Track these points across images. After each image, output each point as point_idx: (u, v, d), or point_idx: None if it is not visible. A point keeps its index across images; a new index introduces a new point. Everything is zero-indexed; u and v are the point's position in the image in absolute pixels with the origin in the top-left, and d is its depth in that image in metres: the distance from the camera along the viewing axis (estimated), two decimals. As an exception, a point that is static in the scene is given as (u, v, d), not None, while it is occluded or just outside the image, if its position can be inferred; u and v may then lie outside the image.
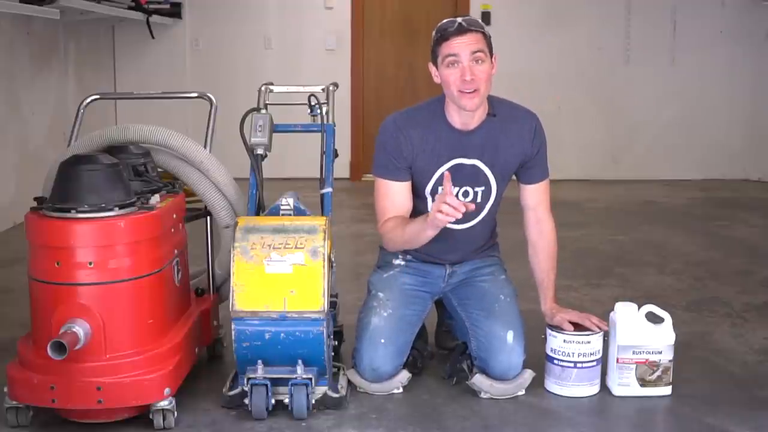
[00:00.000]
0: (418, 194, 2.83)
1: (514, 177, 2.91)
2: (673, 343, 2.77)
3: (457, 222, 2.72)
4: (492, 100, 2.82)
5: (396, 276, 2.90)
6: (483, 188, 2.82)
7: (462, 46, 2.64)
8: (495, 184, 2.83)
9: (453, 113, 2.76)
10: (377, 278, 2.92)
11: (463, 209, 2.51)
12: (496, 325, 2.75)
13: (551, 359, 2.79)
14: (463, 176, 2.78)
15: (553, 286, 2.92)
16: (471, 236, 2.90)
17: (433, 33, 2.73)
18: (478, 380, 2.72)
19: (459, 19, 2.68)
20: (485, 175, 2.80)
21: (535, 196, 2.91)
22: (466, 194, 2.81)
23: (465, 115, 2.74)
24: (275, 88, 3.08)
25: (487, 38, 2.71)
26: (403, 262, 2.93)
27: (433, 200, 2.78)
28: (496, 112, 2.80)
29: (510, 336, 2.72)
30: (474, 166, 2.79)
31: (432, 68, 2.76)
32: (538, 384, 2.79)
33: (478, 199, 2.83)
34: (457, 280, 2.94)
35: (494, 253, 3.02)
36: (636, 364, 2.75)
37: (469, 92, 2.66)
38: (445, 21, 2.72)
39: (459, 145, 2.77)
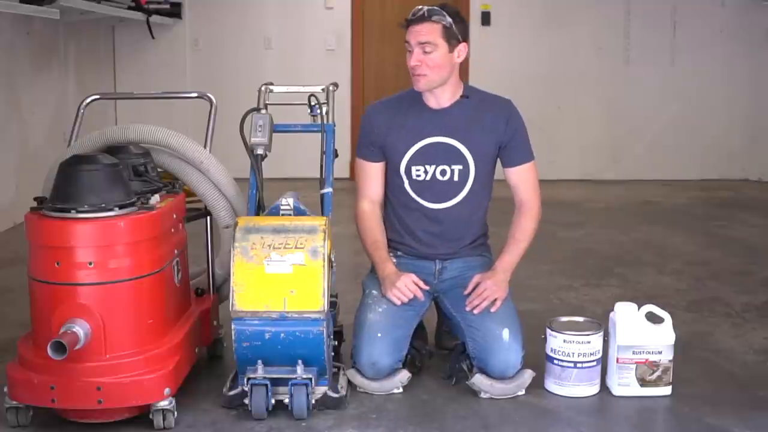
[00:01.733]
0: (393, 174, 2.95)
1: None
2: (673, 343, 2.77)
3: (439, 201, 2.90)
4: (466, 86, 2.96)
5: None
6: (460, 167, 2.89)
7: (413, 35, 2.83)
8: (473, 163, 2.89)
9: (427, 94, 2.90)
10: (370, 278, 2.96)
11: (410, 295, 2.80)
12: (492, 324, 2.75)
13: (551, 359, 2.79)
14: (439, 154, 2.89)
15: (508, 257, 2.90)
16: (456, 220, 2.93)
17: None
18: (478, 380, 2.72)
19: (424, 8, 2.83)
20: (461, 154, 2.88)
21: (514, 177, 2.95)
22: (443, 173, 2.89)
23: (436, 96, 2.89)
24: (275, 88, 3.08)
25: (448, 28, 2.81)
26: (394, 259, 2.96)
27: (408, 180, 2.91)
28: (469, 95, 2.93)
29: (506, 333, 2.73)
30: (449, 144, 2.88)
31: None
32: (538, 384, 2.79)
33: (455, 178, 2.90)
34: (447, 277, 2.95)
35: (485, 253, 3.04)
36: (636, 364, 2.75)
37: (417, 75, 2.84)
38: (416, 7, 2.85)
39: (433, 123, 2.90)
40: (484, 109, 2.91)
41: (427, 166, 2.89)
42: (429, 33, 2.80)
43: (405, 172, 2.91)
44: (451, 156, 2.88)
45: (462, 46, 2.85)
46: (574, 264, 4.57)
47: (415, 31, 2.82)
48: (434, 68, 2.81)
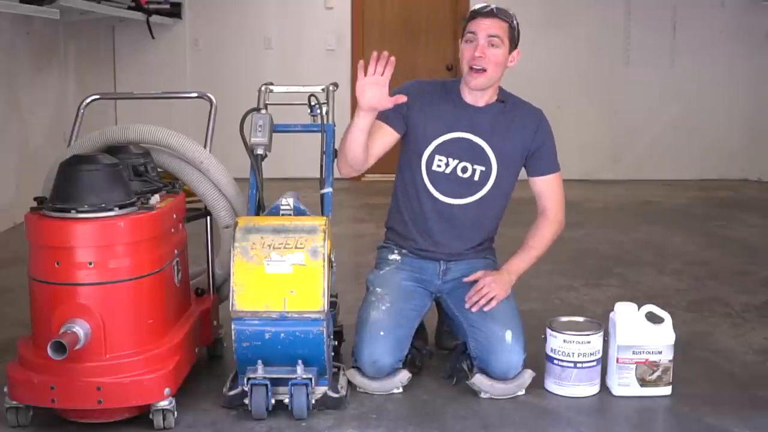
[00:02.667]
0: (413, 159, 2.89)
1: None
2: (673, 343, 2.77)
3: (454, 196, 2.86)
4: (502, 90, 2.94)
5: (392, 272, 2.93)
6: (483, 168, 2.88)
7: (482, 26, 2.80)
8: (496, 167, 2.87)
9: (465, 90, 2.89)
10: (374, 276, 2.95)
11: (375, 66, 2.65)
12: (494, 326, 2.75)
13: (551, 359, 2.79)
14: (465, 151, 2.87)
15: (518, 261, 2.89)
16: (467, 219, 2.91)
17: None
18: (478, 380, 2.72)
19: (492, 5, 2.81)
20: (486, 156, 2.87)
21: (539, 186, 2.95)
22: (464, 170, 2.87)
23: (474, 93, 2.86)
24: (275, 88, 3.08)
25: (513, 29, 2.83)
26: (398, 257, 2.96)
27: (427, 168, 2.88)
28: (505, 100, 2.92)
29: (508, 335, 2.72)
30: (477, 144, 2.87)
31: (460, 45, 2.89)
32: (538, 384, 2.79)
33: (476, 178, 2.88)
34: (451, 278, 2.94)
35: (489, 256, 3.03)
36: (636, 364, 2.75)
37: (477, 69, 2.79)
38: (481, 4, 2.85)
39: (466, 119, 2.88)
40: (516, 115, 2.91)
41: (450, 159, 2.87)
42: (499, 28, 2.80)
43: (427, 158, 2.88)
44: (476, 155, 2.87)
45: (516, 53, 2.87)
46: (574, 264, 4.57)
47: (485, 23, 2.79)
48: (495, 65, 2.80)
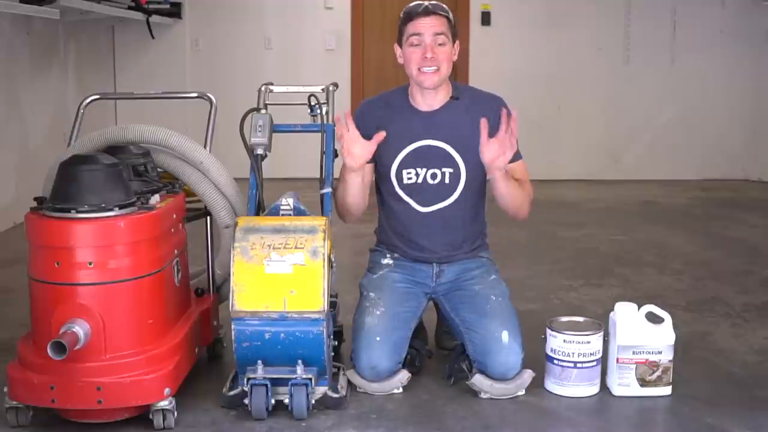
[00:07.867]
0: (383, 178, 2.90)
1: None
2: (673, 343, 2.77)
3: (430, 203, 2.86)
4: (456, 85, 2.92)
5: (385, 275, 2.93)
6: (451, 170, 2.86)
7: (426, 26, 2.78)
8: (464, 166, 2.86)
9: (417, 96, 2.88)
10: (367, 280, 2.95)
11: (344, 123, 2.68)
12: (490, 326, 2.75)
13: (551, 359, 2.79)
14: (430, 158, 2.86)
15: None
16: (447, 222, 2.90)
17: (401, 14, 2.85)
18: (478, 380, 2.72)
19: (426, 3, 2.80)
20: (452, 157, 2.86)
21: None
22: (434, 176, 2.87)
23: (428, 96, 2.85)
24: (275, 88, 3.08)
25: (451, 24, 2.82)
26: (391, 261, 2.96)
27: (399, 183, 2.89)
28: (460, 96, 2.89)
29: (505, 335, 2.72)
30: (440, 147, 2.85)
31: (397, 49, 2.88)
32: (538, 384, 2.79)
33: (446, 181, 2.87)
34: (446, 281, 2.94)
35: (483, 254, 3.01)
36: (636, 364, 2.75)
37: (429, 70, 2.78)
38: (412, 4, 2.82)
39: (423, 127, 2.86)
40: (476, 110, 2.84)
41: (419, 169, 2.86)
42: (441, 25, 2.79)
43: (396, 175, 2.88)
44: (442, 159, 2.85)
45: (457, 45, 2.86)
46: (574, 264, 4.57)
47: (427, 22, 2.78)
48: (445, 62, 2.79)
